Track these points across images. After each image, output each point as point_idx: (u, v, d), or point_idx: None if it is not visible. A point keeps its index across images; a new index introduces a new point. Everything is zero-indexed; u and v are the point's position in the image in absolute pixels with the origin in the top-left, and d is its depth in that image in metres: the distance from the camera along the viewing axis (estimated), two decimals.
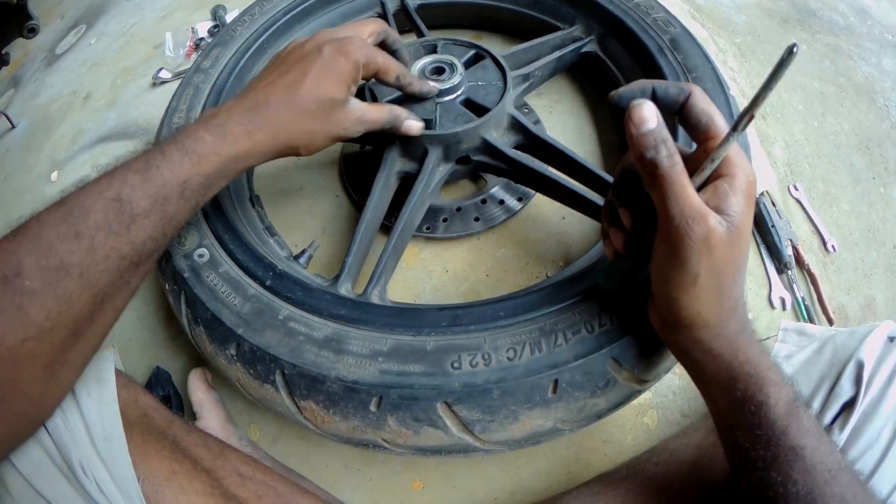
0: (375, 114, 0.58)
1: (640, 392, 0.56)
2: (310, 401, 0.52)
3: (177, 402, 0.68)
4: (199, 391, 0.66)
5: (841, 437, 0.49)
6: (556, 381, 0.51)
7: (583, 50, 0.83)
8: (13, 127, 1.05)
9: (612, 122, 0.87)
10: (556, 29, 0.86)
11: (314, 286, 0.57)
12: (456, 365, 0.51)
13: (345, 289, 0.60)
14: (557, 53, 0.80)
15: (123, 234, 0.44)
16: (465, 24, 1.01)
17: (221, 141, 0.49)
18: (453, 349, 0.52)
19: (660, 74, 0.71)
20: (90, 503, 0.44)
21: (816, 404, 0.52)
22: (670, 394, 0.69)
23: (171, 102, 0.75)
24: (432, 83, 0.65)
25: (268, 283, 0.57)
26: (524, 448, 0.56)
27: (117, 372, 0.51)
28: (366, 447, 0.55)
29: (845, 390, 0.51)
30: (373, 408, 0.51)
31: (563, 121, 0.88)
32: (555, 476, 0.65)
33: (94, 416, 0.47)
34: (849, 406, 0.50)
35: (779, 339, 0.59)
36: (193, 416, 0.65)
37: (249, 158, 0.51)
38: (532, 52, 0.80)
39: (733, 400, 0.43)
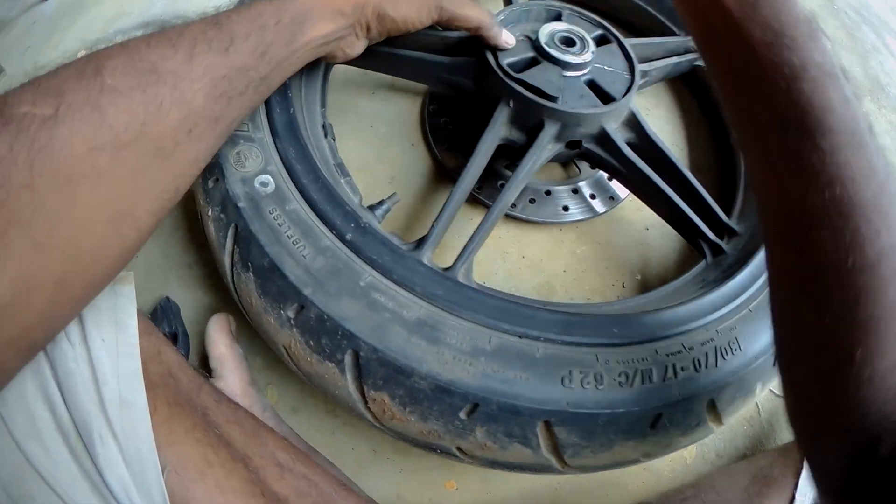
0: (470, 8, 0.55)
1: (709, 434, 0.52)
2: (383, 393, 0.44)
3: (184, 343, 0.57)
4: (221, 344, 0.55)
5: None
6: (659, 416, 0.46)
7: (696, 63, 0.77)
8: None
9: (705, 142, 0.82)
10: (671, 32, 0.81)
11: (405, 252, 0.48)
12: (567, 381, 0.44)
13: (427, 258, 0.51)
14: (675, 59, 0.74)
15: (222, 53, 0.39)
16: None
17: None
18: (565, 362, 0.45)
19: None
20: (92, 487, 0.34)
21: None
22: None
23: None
24: (558, 53, 0.59)
25: (348, 236, 0.47)
26: (593, 473, 0.51)
27: (138, 314, 0.41)
28: (431, 451, 0.47)
29: None
30: (463, 415, 0.43)
31: (658, 127, 0.81)
32: (592, 497, 0.60)
33: (108, 370, 0.36)
34: None
35: None
36: (206, 368, 0.55)
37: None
38: (649, 50, 0.73)
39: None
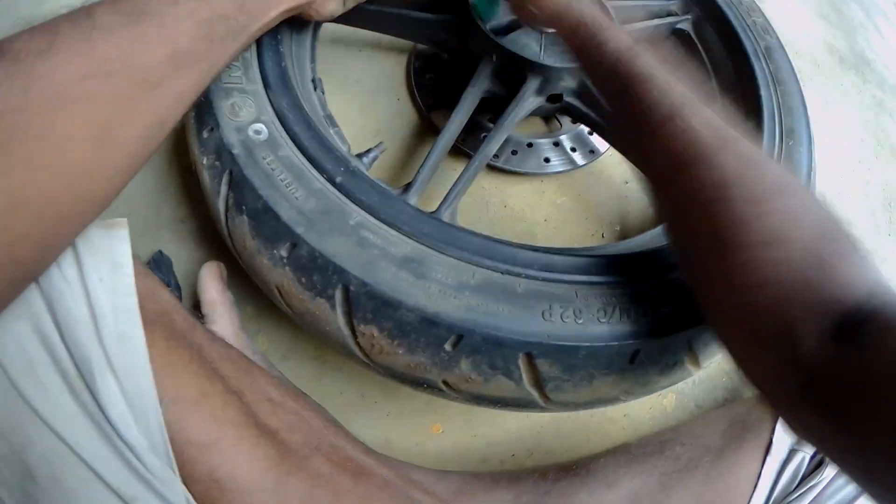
0: None
1: (688, 377, 0.54)
2: (372, 326, 0.46)
3: (177, 295, 0.59)
4: (213, 290, 0.56)
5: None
6: (636, 352, 0.48)
7: (677, 26, 0.78)
8: None
9: None
10: None
11: (392, 194, 0.50)
12: (547, 315, 0.46)
13: (413, 202, 0.53)
14: (656, 21, 0.75)
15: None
16: None
17: None
18: (545, 297, 0.47)
19: (752, 77, 0.68)
20: (92, 423, 0.35)
21: None
22: (690, 382, 0.69)
23: None
24: None
25: (338, 179, 0.49)
26: (575, 411, 0.53)
27: (133, 258, 0.42)
28: (417, 385, 0.49)
29: None
30: (448, 346, 0.45)
31: None
32: (574, 441, 0.62)
33: (107, 307, 0.37)
34: None
35: None
36: (199, 317, 0.56)
37: None
38: (627, 13, 0.74)
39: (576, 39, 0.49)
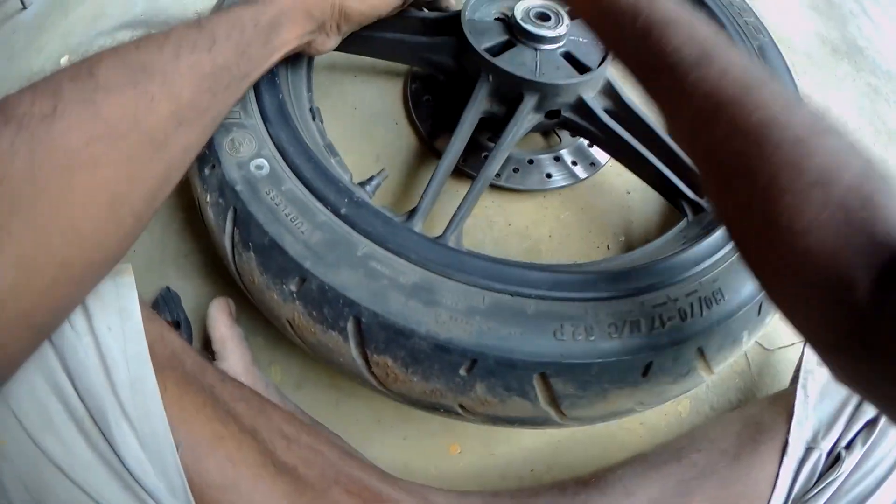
0: None
1: (701, 383, 0.54)
2: (386, 356, 0.46)
3: (186, 331, 0.59)
4: (222, 325, 0.56)
5: (861, 452, 0.51)
6: (649, 364, 0.48)
7: None
8: (24, 8, 0.88)
9: None
10: None
11: (397, 223, 0.50)
12: (559, 335, 0.46)
13: (418, 228, 0.53)
14: None
15: (206, 52, 0.42)
16: None
17: None
18: (556, 316, 0.47)
19: None
20: (111, 472, 0.35)
21: (843, 420, 0.53)
22: (704, 386, 0.68)
23: None
24: (534, 28, 0.61)
25: (342, 210, 0.49)
26: (591, 425, 0.53)
27: (140, 302, 0.42)
28: (434, 411, 0.49)
29: (871, 407, 0.52)
30: (462, 371, 0.45)
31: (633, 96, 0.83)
32: (592, 453, 0.62)
33: (117, 355, 0.37)
34: (872, 423, 0.52)
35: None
36: (208, 353, 0.57)
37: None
38: None
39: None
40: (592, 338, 0.47)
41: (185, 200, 0.67)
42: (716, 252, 0.54)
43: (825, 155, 0.34)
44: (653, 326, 0.48)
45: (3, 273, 0.30)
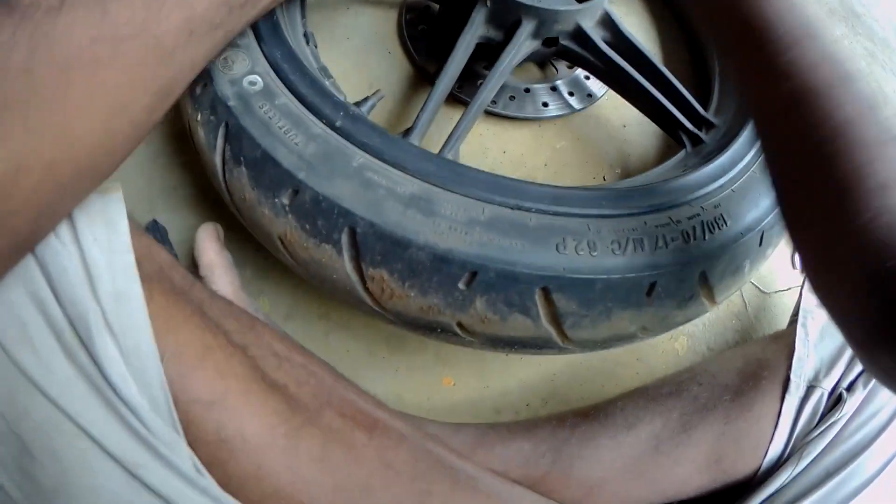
0: None
1: (704, 313, 0.53)
2: (382, 269, 0.44)
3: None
4: (210, 250, 0.54)
5: (863, 394, 0.51)
6: (653, 284, 0.47)
7: None
8: None
9: (678, 48, 0.84)
10: None
11: (394, 136, 0.48)
12: (561, 248, 0.45)
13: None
14: None
15: None
16: None
17: None
18: (558, 230, 0.46)
19: None
20: (90, 387, 0.33)
21: (843, 361, 0.54)
22: (701, 325, 0.68)
23: None
24: None
25: (338, 123, 0.47)
26: (594, 350, 0.52)
27: (129, 218, 0.40)
28: (431, 331, 0.48)
29: None
30: (462, 285, 0.44)
31: None
32: (588, 388, 0.62)
33: (102, 265, 0.35)
34: None
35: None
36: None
37: None
38: None
39: None
40: (595, 253, 0.46)
41: (171, 133, 0.65)
42: (718, 178, 0.53)
43: (892, 161, 0.35)
44: (656, 246, 0.48)
45: None
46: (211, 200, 0.61)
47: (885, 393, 0.51)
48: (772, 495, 0.50)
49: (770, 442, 0.52)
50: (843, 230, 0.36)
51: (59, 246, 0.35)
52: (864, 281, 0.35)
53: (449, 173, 0.46)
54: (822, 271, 0.40)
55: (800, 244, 0.41)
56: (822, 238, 0.38)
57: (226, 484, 0.36)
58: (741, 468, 0.52)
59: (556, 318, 0.46)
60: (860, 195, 0.35)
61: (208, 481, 0.35)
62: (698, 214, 0.51)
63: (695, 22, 0.79)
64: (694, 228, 0.50)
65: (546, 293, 0.45)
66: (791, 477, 0.50)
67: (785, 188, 0.42)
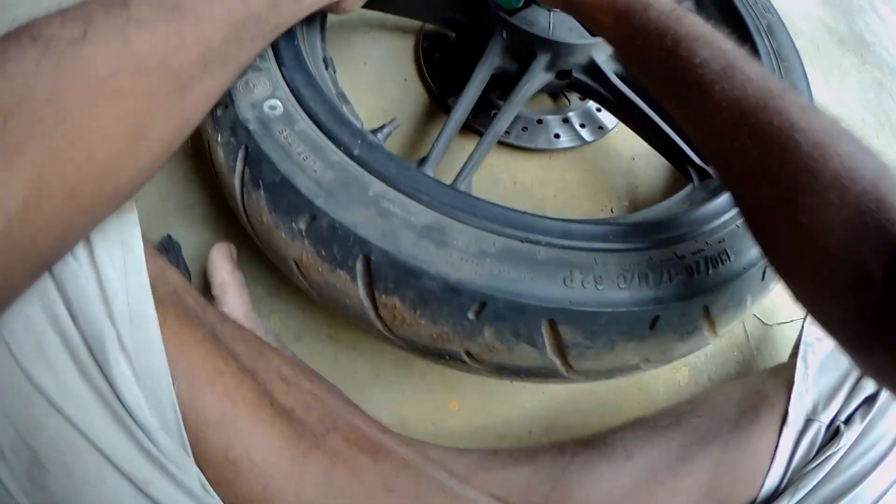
0: None
1: (705, 345, 0.54)
2: (394, 297, 0.46)
3: (187, 277, 0.58)
4: (223, 270, 0.56)
5: (860, 427, 0.51)
6: (657, 318, 0.48)
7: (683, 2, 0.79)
8: None
9: None
10: None
11: (409, 165, 0.50)
12: (568, 282, 0.46)
13: (429, 173, 0.53)
14: None
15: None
16: None
17: None
18: (566, 264, 0.47)
19: (755, 53, 0.68)
20: (104, 405, 0.34)
21: (842, 395, 0.54)
22: (703, 356, 0.69)
23: None
24: None
25: (356, 151, 0.49)
26: (597, 381, 0.53)
27: (143, 239, 0.41)
28: (439, 358, 0.49)
29: (869, 384, 0.53)
30: (471, 315, 0.45)
31: None
32: (589, 417, 0.62)
33: (118, 287, 0.36)
34: (871, 399, 0.53)
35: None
36: (208, 298, 0.56)
37: None
38: None
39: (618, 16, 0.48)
40: (601, 287, 0.47)
41: (188, 150, 0.66)
42: (722, 214, 0.54)
43: (841, 159, 0.36)
44: (661, 280, 0.49)
45: (14, 193, 0.30)
46: (225, 218, 0.63)
47: (882, 425, 0.51)
48: None
49: (767, 473, 0.52)
50: (807, 236, 0.37)
51: (75, 266, 0.36)
52: (837, 283, 0.36)
53: (462, 205, 0.48)
54: (797, 280, 0.41)
55: (774, 260, 0.43)
56: (791, 247, 0.39)
57: (232, 503, 0.37)
58: (737, 499, 0.52)
59: (562, 349, 0.47)
60: (813, 197, 0.36)
61: (215, 500, 0.36)
62: (702, 249, 0.51)
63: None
64: (698, 263, 0.51)
65: (552, 325, 0.46)
66: None
67: (746, 208, 0.44)
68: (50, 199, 0.32)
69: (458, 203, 0.48)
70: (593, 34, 0.63)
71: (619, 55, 0.51)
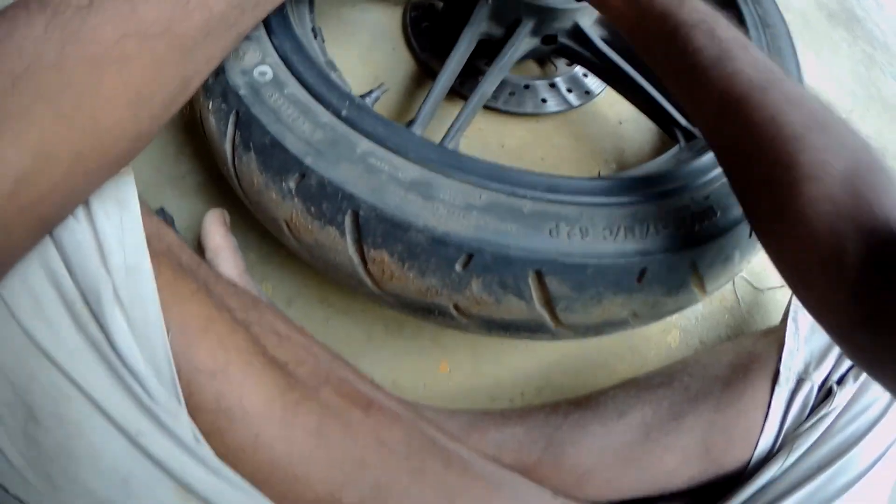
0: None
1: (694, 302, 0.54)
2: (383, 251, 0.46)
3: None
4: (216, 234, 0.56)
5: (853, 388, 0.52)
6: (644, 270, 0.48)
7: None
8: None
9: None
10: None
11: (397, 125, 0.50)
12: (553, 233, 0.47)
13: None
14: None
15: None
16: None
17: None
18: (551, 216, 0.48)
19: (741, 20, 0.69)
20: (98, 356, 0.34)
21: (833, 355, 0.55)
22: (694, 319, 0.70)
23: None
24: None
25: (344, 112, 0.50)
26: (586, 337, 0.53)
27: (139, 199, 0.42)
28: (428, 313, 0.50)
29: None
30: (458, 267, 0.46)
31: None
32: (581, 378, 0.63)
33: (113, 241, 0.36)
34: None
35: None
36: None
37: None
38: None
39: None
40: (587, 238, 0.47)
41: (179, 123, 0.67)
42: (709, 171, 0.55)
43: (818, 150, 0.38)
44: (646, 233, 0.49)
45: (20, 158, 0.30)
46: (218, 188, 0.63)
47: (876, 387, 0.52)
48: (763, 487, 0.51)
49: (760, 433, 0.53)
50: (788, 224, 0.39)
51: (73, 223, 0.37)
52: (815, 272, 0.38)
53: (449, 160, 0.48)
54: (780, 262, 0.42)
55: (758, 236, 0.45)
56: (775, 235, 0.42)
57: (223, 453, 0.37)
58: (731, 459, 0.53)
59: (549, 302, 0.47)
60: (789, 189, 0.38)
61: (206, 450, 0.36)
62: (688, 206, 0.52)
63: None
64: (683, 219, 0.51)
65: (539, 276, 0.46)
66: (782, 469, 0.51)
67: (737, 189, 0.46)
68: (56, 162, 0.32)
69: (444, 159, 0.48)
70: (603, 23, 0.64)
71: (628, 39, 0.52)
